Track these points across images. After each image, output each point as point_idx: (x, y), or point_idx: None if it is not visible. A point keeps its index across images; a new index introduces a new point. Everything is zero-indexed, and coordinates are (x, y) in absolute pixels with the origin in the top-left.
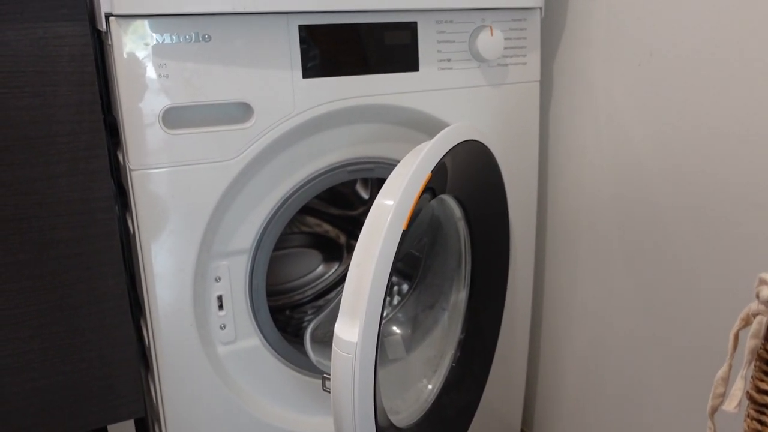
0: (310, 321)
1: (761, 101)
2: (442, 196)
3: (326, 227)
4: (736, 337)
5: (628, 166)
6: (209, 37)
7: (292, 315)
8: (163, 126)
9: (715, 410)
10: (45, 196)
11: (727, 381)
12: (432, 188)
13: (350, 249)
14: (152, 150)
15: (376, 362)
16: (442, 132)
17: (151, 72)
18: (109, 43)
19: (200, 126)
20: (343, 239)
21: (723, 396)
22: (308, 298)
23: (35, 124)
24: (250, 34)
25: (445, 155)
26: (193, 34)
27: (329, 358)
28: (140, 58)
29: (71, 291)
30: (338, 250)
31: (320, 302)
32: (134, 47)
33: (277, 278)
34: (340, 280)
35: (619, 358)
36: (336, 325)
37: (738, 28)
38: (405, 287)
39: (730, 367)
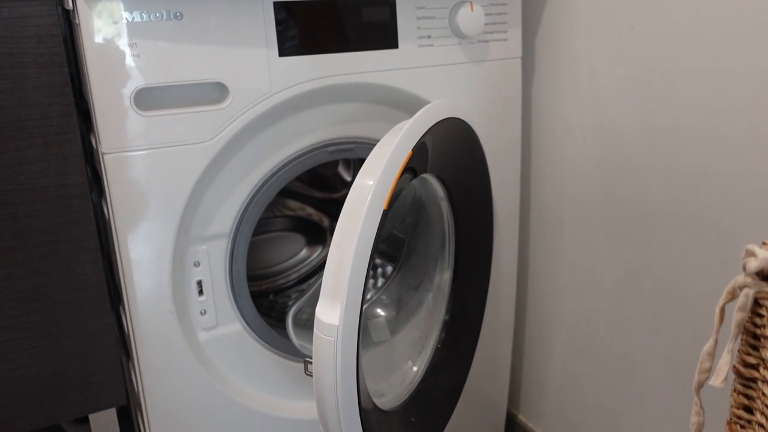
0: (293, 305)
1: (745, 72)
2: (424, 175)
3: (309, 210)
4: (723, 310)
5: (612, 141)
6: (181, 14)
7: (275, 300)
8: (135, 107)
9: (701, 385)
10: (17, 182)
11: (713, 356)
12: (413, 167)
13: (333, 232)
14: (125, 132)
15: (358, 345)
16: (423, 109)
17: (121, 52)
18: (77, 22)
19: (174, 107)
20: (326, 222)
21: (709, 371)
22: (292, 283)
23: (4, 109)
24: (223, 11)
25: (425, 133)
26: (165, 12)
27: (312, 341)
28: (110, 38)
29: (48, 279)
30: (321, 234)
31: (304, 286)
32: (103, 26)
33: (260, 263)
34: (324, 263)
35: (605, 335)
36: (317, 308)
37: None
38: (389, 269)
39: (716, 341)
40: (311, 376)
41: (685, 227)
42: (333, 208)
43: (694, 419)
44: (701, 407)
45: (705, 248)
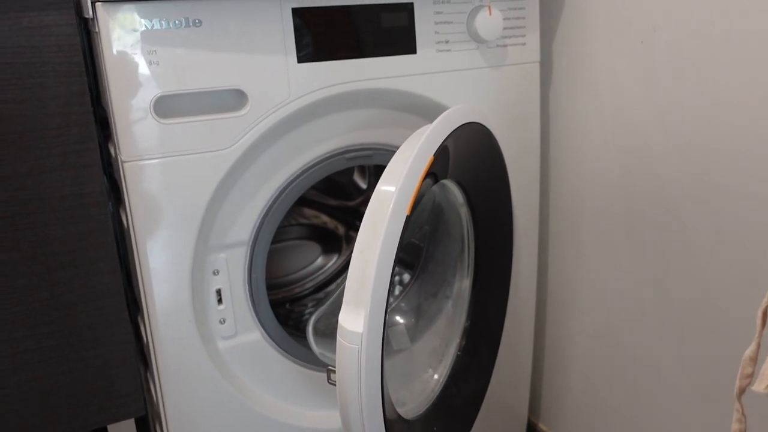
0: (310, 314)
1: None
2: (444, 181)
3: (324, 218)
4: (765, 314)
5: (632, 145)
6: (200, 21)
7: (292, 308)
8: (154, 115)
9: (742, 391)
10: (36, 192)
11: (755, 361)
12: (434, 173)
13: (349, 240)
14: (144, 141)
15: (382, 353)
16: (444, 114)
17: (140, 60)
18: (96, 30)
19: (193, 115)
20: (341, 230)
21: (751, 376)
22: (308, 291)
23: (24, 118)
24: (242, 18)
25: (446, 138)
26: (183, 19)
27: (333, 350)
28: (129, 46)
29: (66, 289)
30: (337, 242)
31: (320, 294)
32: (122, 34)
33: (276, 271)
34: (340, 271)
35: (628, 341)
36: (340, 315)
37: (744, 1)
38: (407, 276)
39: (759, 346)
40: (334, 385)
41: (712, 231)
42: (348, 216)
43: (735, 426)
44: (743, 414)
45: (731, 253)
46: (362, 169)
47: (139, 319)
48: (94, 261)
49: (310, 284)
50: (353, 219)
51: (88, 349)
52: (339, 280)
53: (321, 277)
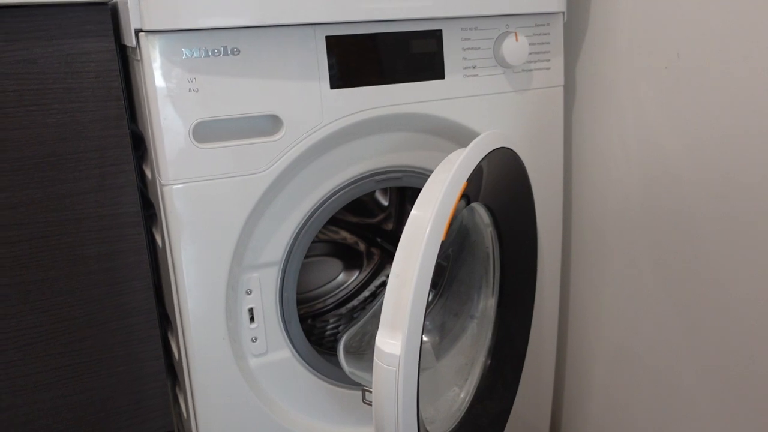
0: (333, 330)
1: None
2: (473, 204)
3: (344, 234)
4: None
5: (656, 170)
6: (238, 50)
7: (314, 324)
8: (193, 140)
9: None
10: (74, 212)
11: None
12: (467, 195)
13: (370, 256)
14: (183, 165)
15: (418, 374)
16: (476, 140)
17: (181, 86)
18: (138, 58)
19: (230, 139)
20: (362, 246)
21: None
22: (329, 307)
23: (63, 141)
24: (278, 47)
25: (479, 163)
26: (222, 48)
27: (363, 369)
28: (170, 73)
29: (100, 306)
30: (358, 258)
31: (342, 310)
32: (164, 62)
33: (299, 287)
34: (361, 287)
35: (649, 360)
36: (377, 338)
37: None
38: (430, 295)
39: None
40: (370, 404)
41: (736, 253)
42: (369, 232)
43: None
44: None
45: (757, 273)
46: (384, 188)
47: (169, 335)
48: (128, 279)
49: (331, 300)
50: (374, 235)
51: (120, 366)
52: (360, 297)
53: (342, 294)
